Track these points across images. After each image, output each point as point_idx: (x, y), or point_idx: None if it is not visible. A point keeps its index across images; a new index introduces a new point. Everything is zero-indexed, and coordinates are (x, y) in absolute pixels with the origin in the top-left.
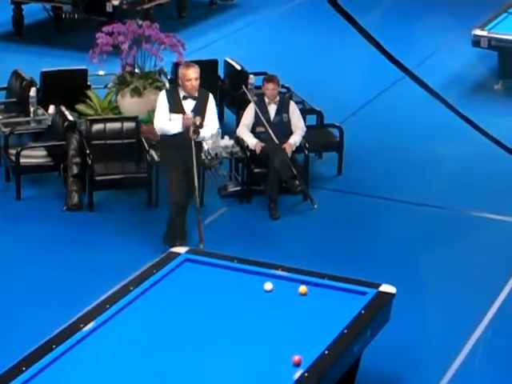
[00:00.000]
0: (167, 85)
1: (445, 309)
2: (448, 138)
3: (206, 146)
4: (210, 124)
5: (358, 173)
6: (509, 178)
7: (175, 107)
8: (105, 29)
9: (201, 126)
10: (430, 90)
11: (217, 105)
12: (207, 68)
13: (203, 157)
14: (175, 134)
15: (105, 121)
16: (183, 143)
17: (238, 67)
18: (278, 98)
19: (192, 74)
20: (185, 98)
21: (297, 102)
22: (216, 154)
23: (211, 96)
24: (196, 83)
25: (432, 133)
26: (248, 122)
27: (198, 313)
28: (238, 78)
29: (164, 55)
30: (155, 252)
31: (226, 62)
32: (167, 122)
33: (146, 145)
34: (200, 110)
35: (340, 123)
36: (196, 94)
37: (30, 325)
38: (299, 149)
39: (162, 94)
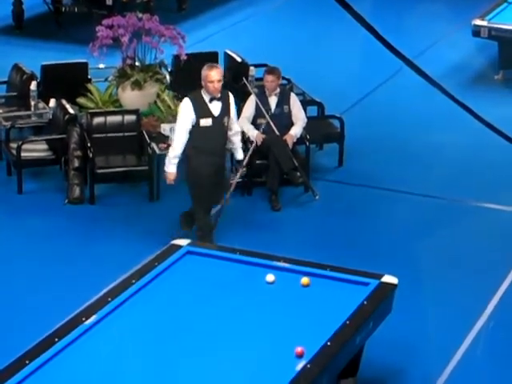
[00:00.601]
0: (167, 77)
1: (446, 300)
2: (448, 128)
3: None
4: (235, 121)
5: (359, 164)
6: (509, 167)
7: (203, 112)
8: (105, 22)
9: (228, 127)
10: (426, 75)
11: None
12: (207, 60)
13: None
14: (207, 142)
15: (105, 114)
16: (215, 148)
17: (239, 59)
18: (278, 90)
19: (215, 75)
20: (211, 100)
21: (297, 94)
22: None
23: (230, 93)
24: (218, 85)
25: (432, 123)
26: (249, 113)
27: (200, 305)
28: (239, 70)
29: (164, 48)
30: (157, 245)
31: (226, 54)
32: (178, 148)
33: (147, 137)
34: (226, 111)
35: (341, 114)
36: (219, 95)
37: (32, 318)
38: (300, 140)
39: (186, 102)
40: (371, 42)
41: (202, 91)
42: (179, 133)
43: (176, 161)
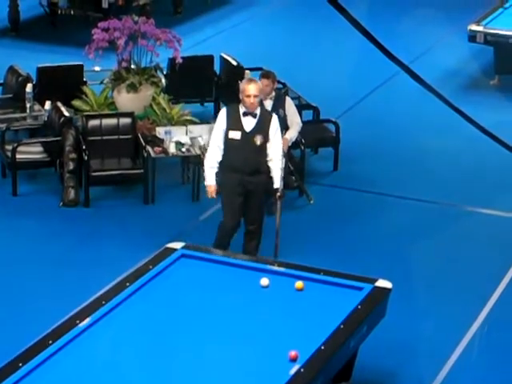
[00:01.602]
0: (163, 81)
1: (442, 303)
2: (443, 132)
3: (201, 142)
4: (276, 147)
5: (354, 168)
6: (503, 172)
7: (234, 124)
8: (101, 24)
9: (262, 145)
10: (421, 80)
11: (213, 101)
12: (203, 64)
13: (199, 152)
14: (235, 156)
15: (101, 117)
16: (242, 165)
17: (234, 63)
18: (273, 94)
19: (252, 89)
20: (245, 114)
21: (293, 98)
22: None
23: (275, 117)
24: (255, 100)
25: (428, 128)
26: None
27: (194, 309)
28: (234, 73)
29: (160, 51)
30: (151, 248)
31: (221, 57)
32: (210, 159)
33: (142, 140)
34: (261, 130)
35: (336, 118)
36: (257, 112)
37: (26, 320)
38: (295, 144)
39: (222, 112)
40: (367, 46)
41: (240, 104)
42: (211, 142)
43: (211, 172)
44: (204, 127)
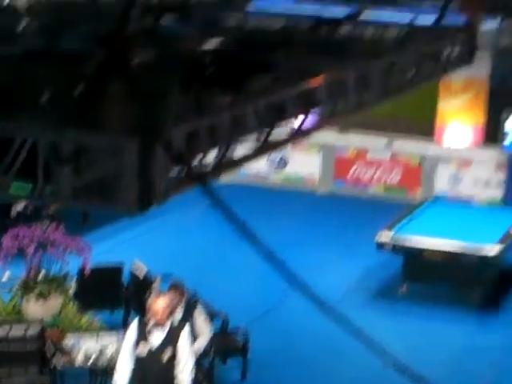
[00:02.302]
0: (73, 288)
1: None
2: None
3: (110, 351)
4: (185, 361)
5: (264, 376)
6: None
7: (142, 339)
8: (10, 232)
9: (170, 361)
10: (323, 305)
11: (122, 309)
12: (112, 274)
13: (108, 362)
14: (142, 372)
15: (9, 325)
16: (149, 381)
17: (141, 277)
18: (183, 304)
19: (159, 304)
20: (153, 328)
21: (202, 307)
22: None
23: (186, 329)
24: (164, 314)
25: (340, 334)
26: None
27: None
28: (142, 284)
29: (70, 258)
30: None
31: (130, 272)
32: (119, 374)
33: (50, 350)
34: (169, 344)
35: (245, 328)
36: (167, 325)
37: None
38: (204, 353)
39: (132, 325)
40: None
41: (150, 318)
42: (120, 355)
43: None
44: (113, 336)
